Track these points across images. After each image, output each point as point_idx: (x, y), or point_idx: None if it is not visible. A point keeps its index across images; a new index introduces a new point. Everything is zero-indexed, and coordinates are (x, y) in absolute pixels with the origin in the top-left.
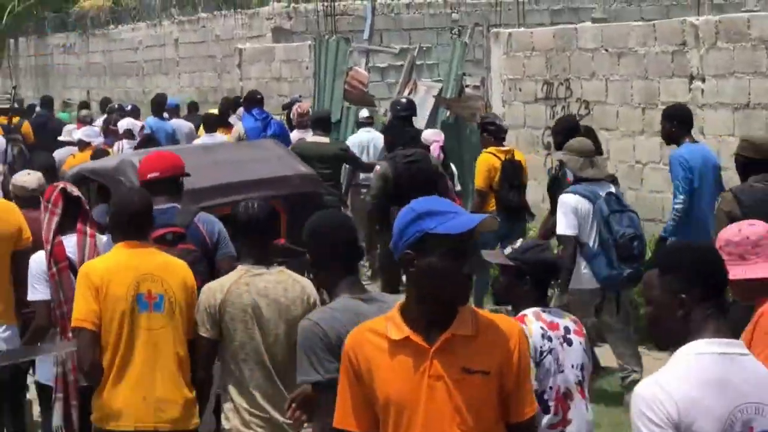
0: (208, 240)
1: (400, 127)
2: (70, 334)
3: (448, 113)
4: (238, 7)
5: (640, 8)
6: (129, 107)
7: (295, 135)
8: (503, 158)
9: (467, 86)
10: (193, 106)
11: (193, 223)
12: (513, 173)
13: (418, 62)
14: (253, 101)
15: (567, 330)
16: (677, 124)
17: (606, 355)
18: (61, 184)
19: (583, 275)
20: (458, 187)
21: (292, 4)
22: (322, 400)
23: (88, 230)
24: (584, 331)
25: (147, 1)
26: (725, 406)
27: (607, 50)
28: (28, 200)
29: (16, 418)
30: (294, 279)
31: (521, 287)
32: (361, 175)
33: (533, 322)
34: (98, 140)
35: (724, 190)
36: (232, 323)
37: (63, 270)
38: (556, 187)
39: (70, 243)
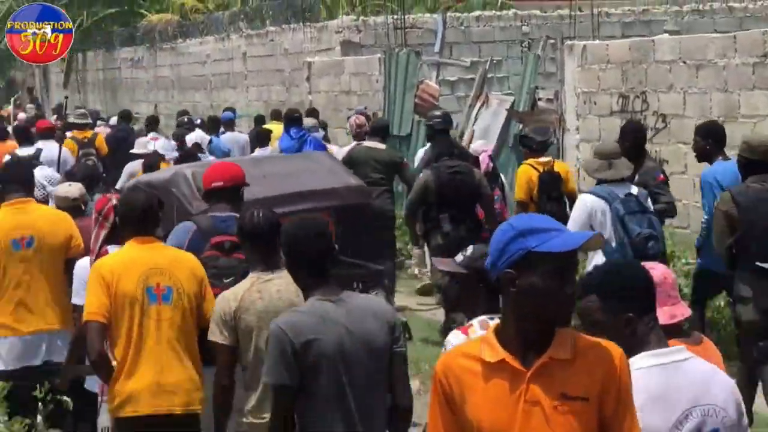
0: None
1: (443, 141)
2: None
3: (521, 126)
4: (307, 20)
5: (713, 20)
6: (198, 120)
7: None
8: (541, 170)
9: (540, 99)
10: (260, 120)
11: None
12: (551, 185)
13: (488, 75)
14: (292, 120)
15: None
16: (712, 142)
17: None
18: (114, 199)
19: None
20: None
21: (362, 17)
22: (280, 401)
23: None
24: None
25: (215, 15)
26: (667, 418)
27: (685, 62)
28: (70, 210)
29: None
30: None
31: (472, 296)
32: None
33: (477, 332)
34: (173, 154)
35: None
36: (247, 330)
37: None
38: None
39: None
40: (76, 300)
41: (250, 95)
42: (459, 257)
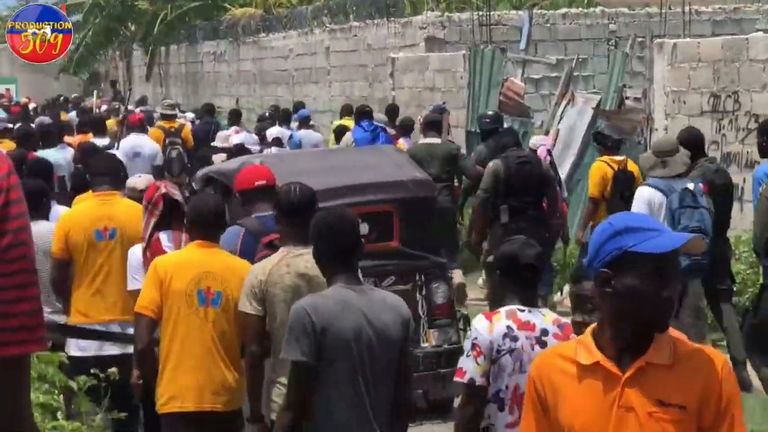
0: None
1: (509, 133)
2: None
3: (605, 125)
4: (391, 15)
5: None
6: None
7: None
8: (616, 168)
9: (627, 98)
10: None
11: None
12: (624, 183)
13: (574, 74)
14: (362, 114)
15: (544, 332)
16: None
17: None
18: (162, 188)
19: None
20: (565, 194)
21: (446, 14)
22: (295, 377)
23: (183, 230)
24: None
25: (298, 10)
26: None
27: None
28: (138, 200)
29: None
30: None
31: (500, 284)
32: None
33: (501, 320)
34: (256, 147)
35: None
36: (275, 302)
37: None
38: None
39: (166, 238)
40: (130, 286)
41: (333, 90)
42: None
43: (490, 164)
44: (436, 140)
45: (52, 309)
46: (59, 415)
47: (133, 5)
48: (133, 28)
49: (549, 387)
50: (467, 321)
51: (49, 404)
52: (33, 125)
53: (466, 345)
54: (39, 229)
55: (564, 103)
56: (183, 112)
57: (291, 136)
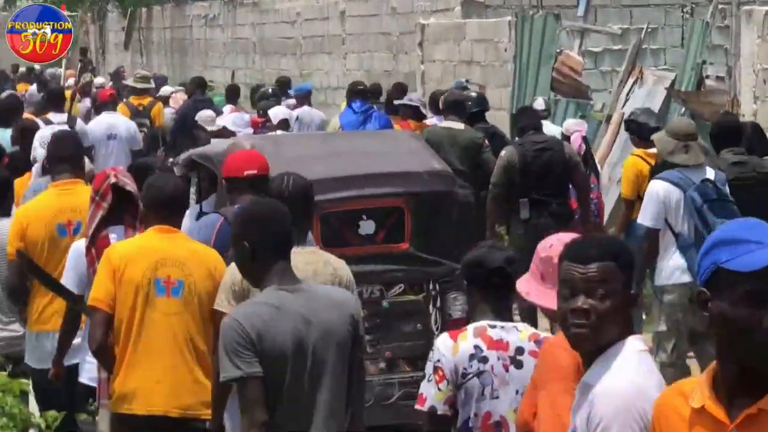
0: None
1: (527, 112)
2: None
3: (684, 109)
4: None
5: None
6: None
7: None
8: (653, 163)
9: (708, 77)
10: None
11: None
12: None
13: (642, 46)
14: (355, 93)
15: (519, 351)
16: None
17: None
18: (113, 177)
19: (673, 269)
20: (599, 186)
21: None
22: (245, 394)
23: (137, 226)
24: None
25: None
26: None
27: None
28: None
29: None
30: (325, 260)
31: (469, 296)
32: None
33: (468, 339)
34: (246, 130)
35: None
36: None
37: None
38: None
39: (116, 236)
40: (63, 280)
41: (349, 63)
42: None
43: (503, 153)
44: (458, 125)
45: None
46: None
47: None
48: None
49: (665, 427)
50: None
51: None
52: None
53: (428, 368)
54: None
55: (630, 81)
56: (161, 85)
57: (297, 117)
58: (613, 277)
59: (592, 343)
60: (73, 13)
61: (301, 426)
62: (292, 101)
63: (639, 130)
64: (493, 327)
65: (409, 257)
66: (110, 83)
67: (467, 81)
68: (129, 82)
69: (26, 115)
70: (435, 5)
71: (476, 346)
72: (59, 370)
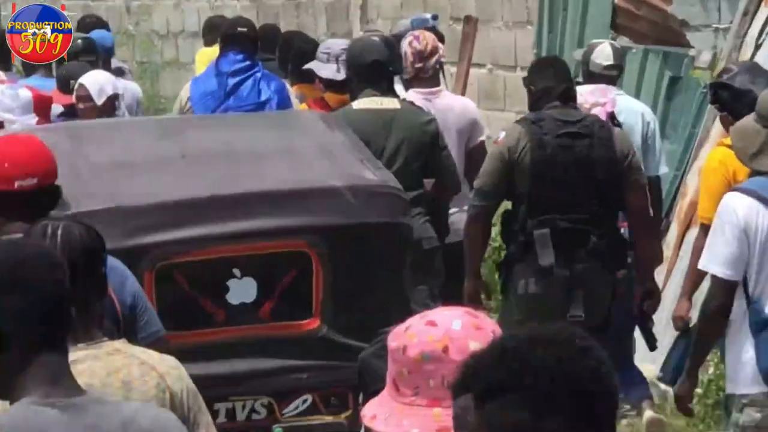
0: (119, 307)
1: (548, 68)
2: None
3: None
4: None
5: None
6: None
7: (412, 96)
8: None
9: None
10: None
11: None
12: None
13: None
14: (228, 40)
15: None
16: None
17: None
18: None
19: (745, 366)
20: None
21: None
22: None
23: None
24: None
25: None
26: None
27: None
28: None
29: None
30: (142, 362)
31: None
32: None
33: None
34: (25, 118)
35: None
36: None
37: None
38: None
39: None
40: None
41: None
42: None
43: (501, 136)
44: (391, 101)
45: None
46: None
47: None
48: None
49: None
50: None
51: None
52: None
53: None
54: None
55: (767, 8)
56: None
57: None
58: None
59: None
60: None
61: None
62: (123, 64)
63: (734, 103)
64: None
65: (320, 344)
66: None
67: (434, 18)
68: None
69: None
70: None
71: None
72: None
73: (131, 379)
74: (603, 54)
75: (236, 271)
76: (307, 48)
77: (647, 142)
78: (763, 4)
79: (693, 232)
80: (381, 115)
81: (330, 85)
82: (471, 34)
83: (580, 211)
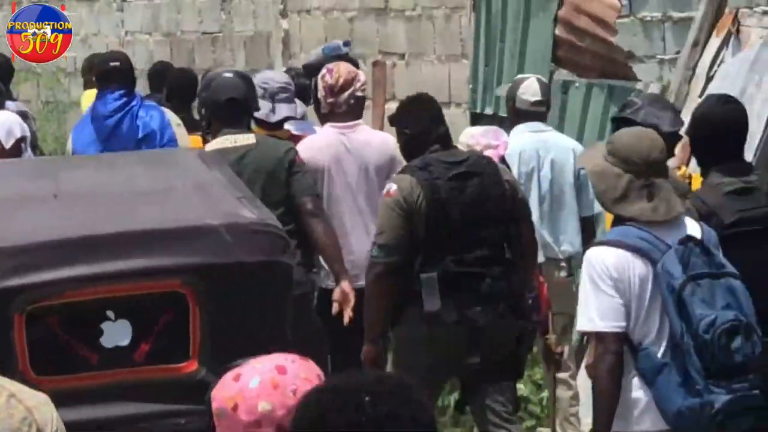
0: None
1: (415, 109)
2: None
3: None
4: None
5: None
6: None
7: (327, 131)
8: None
9: None
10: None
11: None
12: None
13: None
14: (104, 77)
15: None
16: None
17: None
18: None
19: (636, 408)
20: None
21: None
22: None
23: None
24: None
25: None
26: None
27: None
28: None
29: None
30: (10, 395)
31: None
32: None
33: None
34: None
35: None
36: None
37: None
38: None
39: None
40: None
41: (126, 16)
42: None
43: (391, 187)
44: (246, 137)
45: None
46: None
47: None
48: None
49: None
50: None
51: None
52: None
53: None
54: None
55: (716, 41)
56: None
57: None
58: None
59: None
60: None
61: None
62: (24, 107)
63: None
64: None
65: (199, 388)
66: None
67: (346, 44)
68: None
69: None
70: None
71: None
72: None
73: None
74: (530, 90)
75: (110, 313)
76: (182, 82)
77: (579, 179)
78: (714, 34)
79: None
80: (234, 153)
81: (260, 123)
82: (381, 79)
83: (474, 251)
